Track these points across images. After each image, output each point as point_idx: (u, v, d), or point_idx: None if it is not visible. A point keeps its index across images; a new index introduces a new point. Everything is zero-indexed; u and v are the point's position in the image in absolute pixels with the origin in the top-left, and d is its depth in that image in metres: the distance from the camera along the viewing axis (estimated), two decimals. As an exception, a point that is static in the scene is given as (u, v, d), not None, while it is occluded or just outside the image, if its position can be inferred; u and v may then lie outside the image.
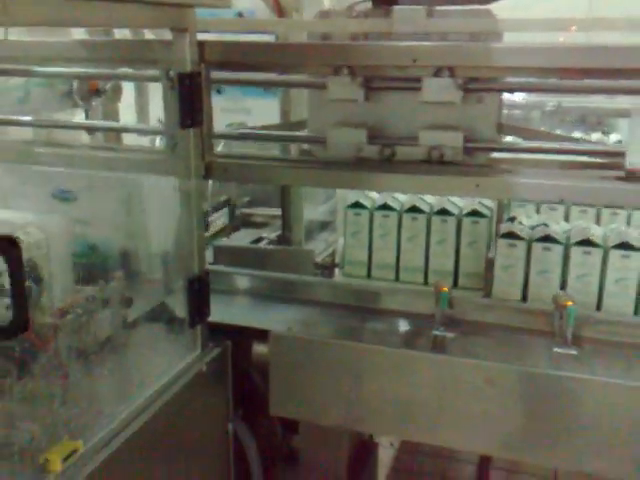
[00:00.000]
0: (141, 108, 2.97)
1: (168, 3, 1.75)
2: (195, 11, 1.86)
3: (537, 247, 2.24)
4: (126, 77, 2.30)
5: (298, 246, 2.73)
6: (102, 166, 1.98)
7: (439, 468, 3.44)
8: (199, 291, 2.00)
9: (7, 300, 1.43)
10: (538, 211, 2.64)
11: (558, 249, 2.22)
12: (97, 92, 2.98)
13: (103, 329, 1.83)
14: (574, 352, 1.97)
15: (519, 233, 2.27)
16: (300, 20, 2.52)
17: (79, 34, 2.52)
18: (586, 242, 2.17)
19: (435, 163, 2.01)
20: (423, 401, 1.98)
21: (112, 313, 1.82)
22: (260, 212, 3.20)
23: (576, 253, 2.18)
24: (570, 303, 1.96)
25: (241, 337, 2.23)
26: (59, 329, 1.64)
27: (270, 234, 2.89)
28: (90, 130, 2.46)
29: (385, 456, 3.45)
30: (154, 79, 2.14)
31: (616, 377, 1.86)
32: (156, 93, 3.06)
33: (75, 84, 2.82)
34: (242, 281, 2.45)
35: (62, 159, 2.02)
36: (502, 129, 2.09)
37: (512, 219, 2.39)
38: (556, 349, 1.98)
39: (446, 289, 2.07)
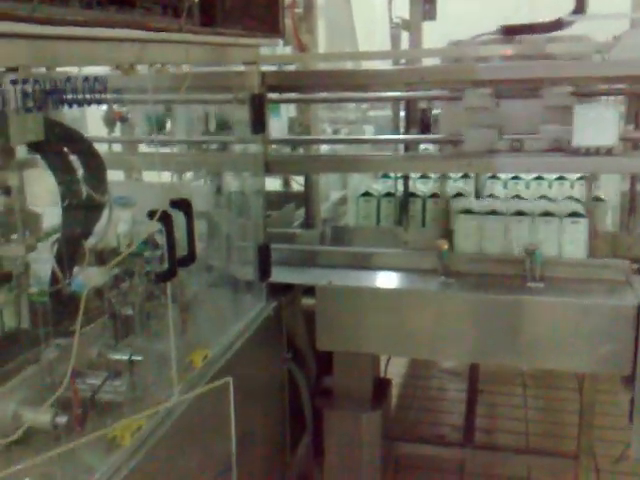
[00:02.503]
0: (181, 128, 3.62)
1: (244, 44, 2.46)
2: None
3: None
4: (202, 101, 2.96)
5: (319, 229, 3.42)
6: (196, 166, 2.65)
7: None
8: (265, 254, 2.70)
9: (158, 252, 2.10)
10: (506, 186, 3.40)
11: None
12: (121, 119, 3.65)
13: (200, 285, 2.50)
14: (541, 285, 2.71)
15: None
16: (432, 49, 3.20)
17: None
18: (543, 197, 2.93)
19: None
20: (433, 326, 2.70)
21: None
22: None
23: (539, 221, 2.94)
24: (537, 249, 2.71)
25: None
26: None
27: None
28: (177, 143, 3.06)
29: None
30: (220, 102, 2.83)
31: (570, 298, 2.61)
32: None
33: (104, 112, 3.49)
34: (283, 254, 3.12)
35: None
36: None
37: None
38: (529, 284, 2.72)
39: (446, 246, 2.80)
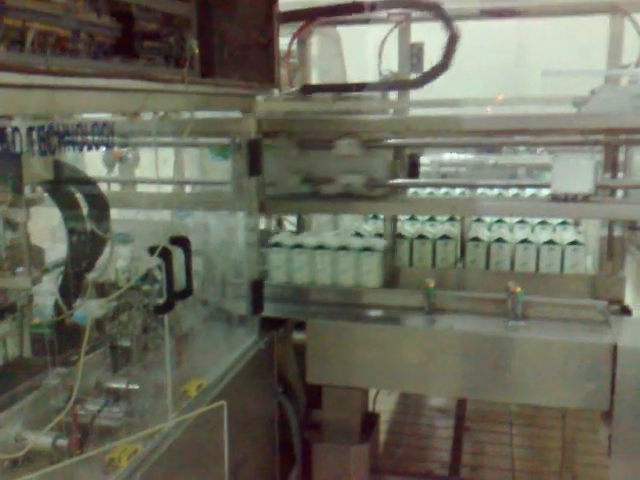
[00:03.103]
0: (179, 169, 3.78)
1: (242, 94, 2.62)
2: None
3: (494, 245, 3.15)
4: (201, 144, 3.12)
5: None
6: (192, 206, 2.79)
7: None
8: (258, 289, 2.82)
9: (156, 286, 2.23)
10: (490, 229, 3.54)
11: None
12: (120, 159, 3.81)
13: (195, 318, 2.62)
14: (523, 323, 2.84)
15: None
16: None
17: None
18: (525, 241, 3.08)
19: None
20: (420, 362, 2.81)
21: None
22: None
23: (519, 248, 3.08)
24: (519, 289, 2.84)
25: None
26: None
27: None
28: (180, 184, 3.22)
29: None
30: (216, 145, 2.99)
31: (551, 336, 2.73)
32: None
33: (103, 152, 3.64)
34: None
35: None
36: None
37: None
38: (511, 322, 2.85)
39: (432, 284, 2.93)
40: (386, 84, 3.19)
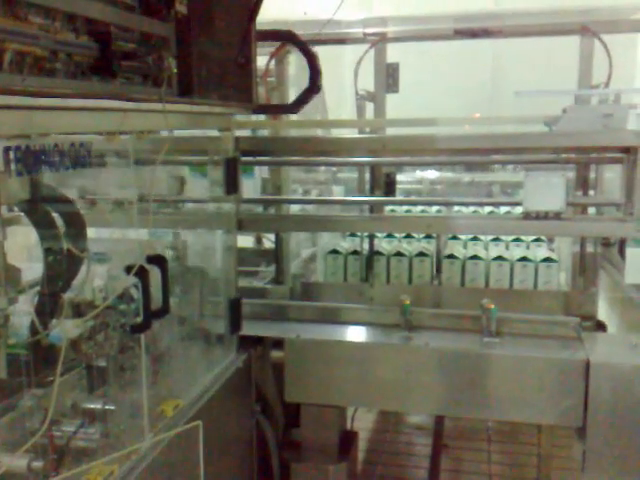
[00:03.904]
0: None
1: (219, 113, 2.64)
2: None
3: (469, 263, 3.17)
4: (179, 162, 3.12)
5: (288, 284, 3.56)
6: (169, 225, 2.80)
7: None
8: (236, 308, 2.82)
9: (133, 305, 2.22)
10: (465, 246, 3.58)
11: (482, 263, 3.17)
12: None
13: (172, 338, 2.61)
14: (497, 340, 2.87)
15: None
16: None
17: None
18: (499, 257, 3.13)
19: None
20: (397, 379, 2.83)
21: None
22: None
23: (493, 265, 3.12)
24: (492, 306, 2.87)
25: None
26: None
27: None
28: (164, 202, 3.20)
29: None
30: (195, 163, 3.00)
31: (525, 352, 2.77)
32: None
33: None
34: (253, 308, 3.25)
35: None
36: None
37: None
38: (485, 339, 2.88)
39: (408, 302, 2.95)
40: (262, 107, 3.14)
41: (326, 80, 3.01)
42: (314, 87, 2.85)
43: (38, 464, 1.76)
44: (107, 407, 2.08)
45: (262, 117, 3.47)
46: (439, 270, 3.39)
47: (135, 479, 1.96)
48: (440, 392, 2.83)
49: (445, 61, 3.08)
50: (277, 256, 3.49)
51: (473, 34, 3.46)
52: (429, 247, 3.48)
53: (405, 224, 3.18)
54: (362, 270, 3.47)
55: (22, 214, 2.16)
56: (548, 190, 2.79)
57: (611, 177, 3.41)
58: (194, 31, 2.30)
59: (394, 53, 3.58)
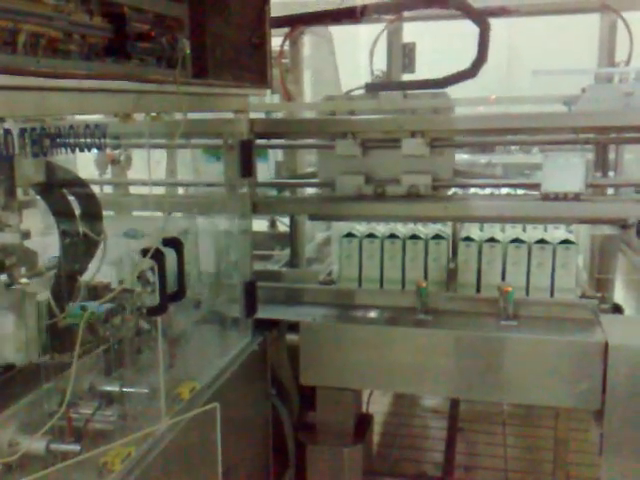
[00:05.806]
0: (171, 171, 3.77)
1: (234, 94, 2.62)
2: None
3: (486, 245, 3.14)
4: (194, 146, 3.11)
5: (303, 267, 3.55)
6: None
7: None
8: (251, 291, 2.82)
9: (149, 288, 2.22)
10: (482, 228, 3.55)
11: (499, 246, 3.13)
12: (113, 162, 3.80)
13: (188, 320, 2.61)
14: (514, 323, 2.84)
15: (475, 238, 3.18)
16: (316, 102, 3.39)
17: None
18: (517, 240, 3.08)
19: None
20: (414, 362, 2.82)
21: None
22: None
23: (511, 248, 3.08)
24: (510, 289, 2.85)
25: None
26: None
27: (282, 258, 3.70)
28: (173, 185, 3.21)
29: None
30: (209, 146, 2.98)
31: (543, 335, 2.74)
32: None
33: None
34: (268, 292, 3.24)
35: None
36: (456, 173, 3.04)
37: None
38: (502, 322, 2.85)
39: (424, 284, 2.93)
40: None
41: (341, 61, 2.98)
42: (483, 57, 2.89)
43: (56, 446, 1.76)
44: (124, 389, 2.08)
45: (275, 99, 3.44)
46: (455, 253, 3.36)
47: (152, 461, 1.96)
48: (456, 375, 2.81)
49: (462, 41, 3.02)
50: (292, 239, 3.48)
51: (490, 12, 3.40)
52: (445, 229, 3.44)
53: (424, 207, 3.12)
54: (378, 253, 3.44)
55: (37, 197, 2.16)
56: (567, 171, 2.75)
57: (630, 159, 3.37)
58: (208, 12, 2.27)
59: (409, 33, 3.54)
